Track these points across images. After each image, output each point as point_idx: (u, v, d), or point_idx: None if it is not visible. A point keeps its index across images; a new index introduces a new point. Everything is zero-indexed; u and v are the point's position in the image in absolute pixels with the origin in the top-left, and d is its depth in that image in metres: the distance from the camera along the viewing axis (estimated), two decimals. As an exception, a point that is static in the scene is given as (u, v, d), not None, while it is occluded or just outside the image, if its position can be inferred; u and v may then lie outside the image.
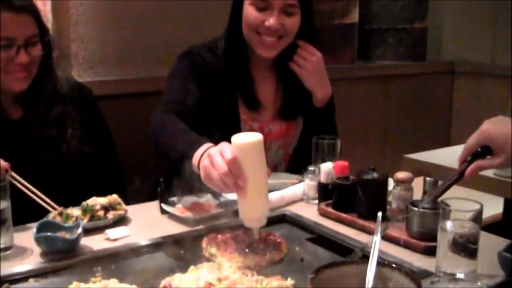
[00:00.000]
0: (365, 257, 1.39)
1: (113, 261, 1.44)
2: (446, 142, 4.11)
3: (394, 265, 1.11)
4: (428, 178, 1.53)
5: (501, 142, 1.35)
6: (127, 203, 1.76)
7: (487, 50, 4.02)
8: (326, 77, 2.16)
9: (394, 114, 3.91)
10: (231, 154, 1.39)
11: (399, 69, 3.95)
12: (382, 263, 1.15)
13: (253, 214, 1.46)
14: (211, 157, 1.45)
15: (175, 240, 1.55)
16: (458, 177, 1.40)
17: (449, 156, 2.55)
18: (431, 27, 4.10)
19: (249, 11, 1.99)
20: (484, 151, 1.38)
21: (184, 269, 1.36)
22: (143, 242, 1.53)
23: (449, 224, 1.32)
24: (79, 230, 1.46)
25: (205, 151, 1.55)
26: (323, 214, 1.75)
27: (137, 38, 2.72)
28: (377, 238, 1.18)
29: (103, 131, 2.11)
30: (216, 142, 1.54)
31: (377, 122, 3.86)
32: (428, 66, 4.10)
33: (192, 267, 1.35)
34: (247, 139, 1.40)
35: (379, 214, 1.27)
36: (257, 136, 1.40)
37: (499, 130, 1.36)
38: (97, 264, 1.42)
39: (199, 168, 1.55)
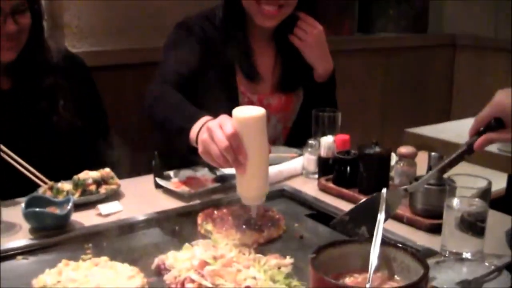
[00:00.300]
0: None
1: (104, 238, 1.39)
2: (447, 116, 4.04)
3: (399, 245, 1.05)
4: (433, 153, 1.47)
5: None
6: (121, 176, 1.70)
7: (489, 23, 3.93)
8: (327, 51, 2.09)
9: (394, 88, 3.85)
10: (232, 128, 1.33)
11: (400, 41, 3.89)
12: (387, 242, 1.09)
13: (252, 192, 1.41)
14: (210, 131, 1.39)
15: (170, 216, 1.49)
16: (466, 150, 1.31)
17: (451, 130, 2.52)
18: (433, -1, 4.03)
19: None
20: (497, 123, 1.30)
21: (178, 246, 1.30)
22: (136, 218, 1.47)
23: (456, 202, 1.26)
24: (70, 206, 1.40)
25: (203, 124, 1.48)
26: (323, 189, 1.69)
27: (133, 7, 2.64)
28: (381, 216, 1.12)
29: (95, 103, 2.04)
30: (214, 115, 1.48)
31: (376, 95, 3.80)
32: (429, 39, 4.04)
33: (186, 245, 1.29)
34: (249, 113, 1.34)
35: (384, 190, 1.21)
36: (260, 110, 1.35)
37: None
38: (88, 241, 1.37)
39: (197, 142, 1.49)
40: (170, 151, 1.68)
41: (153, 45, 2.54)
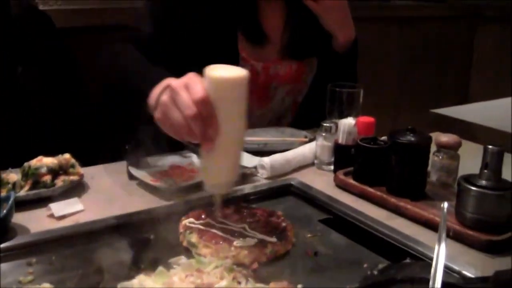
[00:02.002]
0: (404, 253, 1.03)
1: (54, 250, 1.04)
2: (465, 94, 3.75)
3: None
4: (490, 147, 1.12)
5: None
6: (86, 164, 1.35)
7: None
8: (349, 15, 1.76)
9: (408, 61, 3.59)
10: (203, 91, 1.03)
11: (416, 10, 3.65)
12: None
13: (220, 177, 1.09)
14: (174, 92, 1.08)
15: (143, 221, 1.13)
16: None
17: (485, 113, 2.17)
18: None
19: None
20: None
21: (151, 267, 0.96)
22: (99, 223, 1.12)
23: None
24: (9, 205, 1.05)
25: (166, 86, 1.14)
26: (341, 185, 1.35)
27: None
28: (440, 248, 0.77)
29: (61, 68, 1.72)
30: None
31: (390, 69, 3.54)
32: (448, 9, 3.77)
33: (161, 269, 0.94)
34: (228, 74, 1.04)
35: (444, 205, 0.85)
36: (240, 71, 1.04)
37: None
38: (33, 254, 1.02)
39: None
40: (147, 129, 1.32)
41: (137, 5, 2.22)
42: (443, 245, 0.77)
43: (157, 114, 1.15)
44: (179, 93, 1.06)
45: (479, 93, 3.63)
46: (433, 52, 3.68)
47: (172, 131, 1.12)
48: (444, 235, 0.78)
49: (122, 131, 1.48)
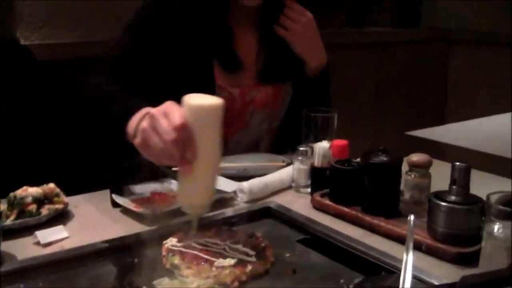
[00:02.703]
0: (379, 268, 1.07)
1: (40, 275, 1.07)
2: (441, 115, 3.81)
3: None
4: (457, 164, 1.17)
5: None
6: (70, 194, 1.39)
7: (486, 16, 3.70)
8: (319, 43, 1.82)
9: (386, 85, 3.64)
10: (181, 118, 1.09)
11: (391, 36, 3.69)
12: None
13: (197, 199, 1.15)
14: (153, 119, 1.14)
15: (127, 245, 1.16)
16: None
17: (458, 133, 2.22)
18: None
19: None
20: None
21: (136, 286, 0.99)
22: (84, 248, 1.15)
23: (497, 227, 0.97)
24: (-4, 234, 1.09)
25: (143, 117, 1.21)
26: (318, 207, 1.39)
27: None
28: (408, 256, 0.81)
29: (43, 101, 1.74)
30: None
31: (368, 93, 3.59)
32: (422, 33, 3.83)
33: (144, 290, 0.98)
34: (204, 101, 1.11)
35: (411, 217, 0.90)
36: (216, 100, 1.11)
37: None
38: (21, 280, 1.05)
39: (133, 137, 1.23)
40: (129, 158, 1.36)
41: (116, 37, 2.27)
42: (410, 254, 0.81)
43: (137, 140, 1.20)
44: (159, 120, 1.12)
45: (455, 112, 3.70)
46: (410, 75, 3.73)
47: (152, 155, 1.17)
48: (411, 244, 0.83)
49: (103, 160, 1.52)
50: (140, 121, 1.22)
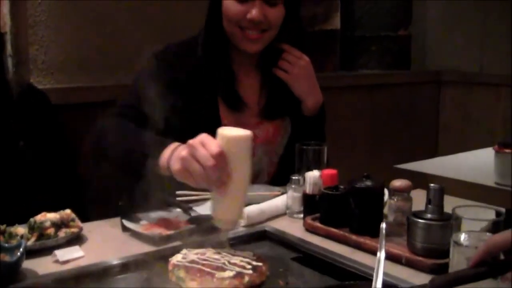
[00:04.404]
0: (364, 279, 1.19)
1: (60, 288, 1.20)
2: (434, 151, 3.94)
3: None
4: (432, 185, 1.31)
5: None
6: (85, 220, 1.52)
7: (475, 57, 3.86)
8: (315, 83, 1.98)
9: (379, 125, 3.76)
10: (218, 147, 1.27)
11: (383, 78, 3.82)
12: (389, 286, 0.92)
13: (229, 215, 1.35)
14: (193, 148, 1.31)
15: (137, 262, 1.30)
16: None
17: (444, 165, 2.37)
18: (416, 35, 3.96)
19: (229, 3, 1.80)
20: None
21: (145, 298, 1.12)
22: (98, 265, 1.28)
23: (464, 237, 1.10)
24: (20, 251, 1.22)
25: (175, 148, 1.42)
26: (310, 229, 1.52)
27: (103, 42, 2.50)
28: (381, 254, 0.95)
29: (58, 142, 1.88)
30: None
31: (362, 132, 3.70)
32: (413, 75, 3.97)
33: (154, 297, 1.11)
34: (237, 133, 1.31)
35: (383, 225, 1.05)
36: (246, 131, 1.31)
37: None
38: (41, 293, 1.18)
39: (168, 168, 1.41)
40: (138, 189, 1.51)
41: (125, 82, 2.41)
42: (383, 252, 0.94)
43: (176, 167, 1.37)
44: (197, 149, 1.29)
45: (447, 151, 3.83)
46: (402, 114, 3.83)
47: (191, 180, 1.34)
48: (383, 244, 0.96)
49: (113, 192, 1.65)
50: (172, 153, 1.41)
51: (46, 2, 2.35)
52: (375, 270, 0.90)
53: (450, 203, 1.30)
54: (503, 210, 1.13)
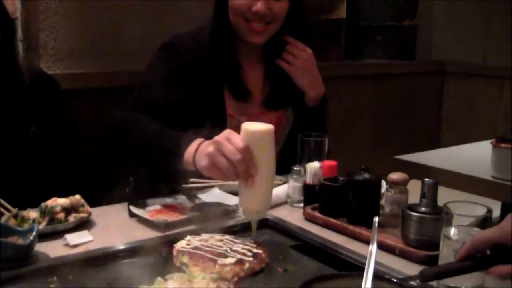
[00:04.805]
0: (359, 269, 1.24)
1: (70, 270, 1.26)
2: (436, 143, 3.98)
3: (394, 280, 0.95)
4: (426, 180, 1.37)
5: None
6: (94, 204, 1.59)
7: (478, 50, 3.89)
8: (318, 76, 2.04)
9: (382, 114, 3.78)
10: (243, 141, 1.34)
11: (388, 68, 3.82)
12: (380, 276, 0.99)
13: (257, 206, 1.41)
14: (219, 144, 1.38)
15: (143, 247, 1.37)
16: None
17: (443, 158, 2.42)
18: (421, 26, 3.98)
19: None
20: (498, 252, 1.05)
21: (150, 280, 1.19)
22: (106, 249, 1.35)
23: (453, 231, 1.16)
24: (33, 235, 1.28)
25: (199, 144, 1.50)
26: (309, 218, 1.59)
27: (111, 29, 2.54)
28: (373, 247, 1.01)
29: (68, 126, 1.94)
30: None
31: (365, 122, 3.73)
32: (417, 66, 3.98)
33: (159, 279, 1.17)
34: (260, 127, 1.37)
35: (375, 219, 1.11)
36: (269, 125, 1.38)
37: None
38: (53, 274, 1.24)
39: (193, 163, 1.50)
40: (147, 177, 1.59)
41: (133, 68, 2.47)
42: (374, 245, 1.01)
43: (204, 163, 1.45)
44: (224, 144, 1.36)
45: (449, 142, 3.87)
46: (405, 104, 3.86)
47: (219, 174, 1.41)
48: (375, 237, 1.02)
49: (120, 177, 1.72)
50: (197, 149, 1.50)
51: (57, -11, 2.40)
52: (366, 262, 0.96)
53: (447, 195, 1.36)
54: (491, 208, 1.17)
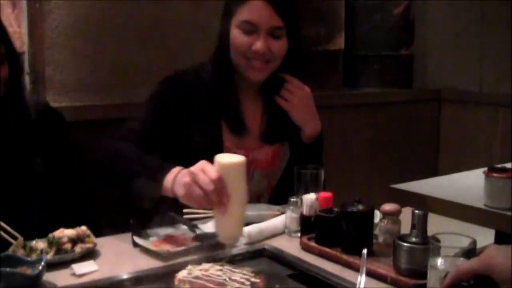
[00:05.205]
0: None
1: (77, 299, 1.34)
2: (433, 170, 4.03)
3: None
4: (416, 211, 1.44)
5: (508, 275, 1.07)
6: (99, 235, 1.66)
7: (474, 77, 3.97)
8: (315, 113, 2.09)
9: (380, 142, 3.84)
10: (216, 173, 1.46)
11: (385, 96, 3.90)
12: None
13: (230, 232, 1.55)
14: (194, 175, 1.51)
15: (146, 277, 1.44)
16: None
17: (438, 186, 2.48)
18: (417, 54, 4.06)
19: (236, 35, 1.93)
20: (481, 282, 1.10)
21: (153, 309, 1.25)
22: (111, 278, 1.42)
23: (439, 261, 1.22)
24: (42, 265, 1.35)
25: (177, 173, 1.60)
26: (305, 248, 1.65)
27: (114, 63, 2.64)
28: (362, 278, 1.08)
29: (73, 159, 2.00)
30: None
31: (362, 150, 3.78)
32: (414, 94, 4.06)
33: (161, 308, 1.24)
34: (232, 159, 1.50)
35: (364, 251, 1.17)
36: (241, 158, 1.50)
37: (507, 259, 1.08)
38: (61, 303, 1.32)
39: (172, 191, 1.61)
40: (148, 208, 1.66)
41: (134, 100, 2.55)
42: (363, 276, 1.07)
43: (180, 192, 1.57)
44: (198, 175, 1.49)
45: (447, 170, 3.92)
46: (403, 132, 3.92)
47: (195, 202, 1.55)
48: (364, 269, 1.09)
49: (122, 209, 1.79)
50: (175, 178, 1.60)
51: (63, 24, 2.48)
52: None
53: (441, 224, 1.42)
54: (475, 239, 1.24)
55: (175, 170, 1.63)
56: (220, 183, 1.46)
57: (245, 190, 1.51)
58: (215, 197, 1.47)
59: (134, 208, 1.69)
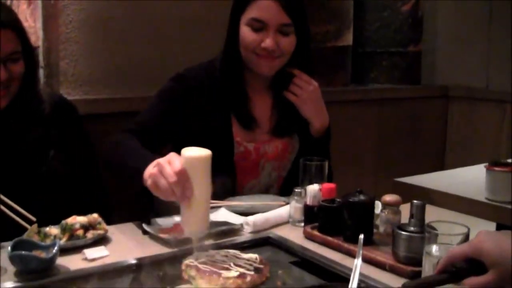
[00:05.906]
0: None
1: (88, 282, 1.40)
2: (440, 166, 4.07)
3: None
4: (415, 202, 1.49)
5: (497, 258, 1.12)
6: (110, 223, 1.72)
7: (481, 74, 4.01)
8: (323, 107, 2.15)
9: (387, 138, 3.88)
10: (180, 165, 1.45)
11: (393, 92, 3.94)
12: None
13: (193, 226, 1.52)
14: (160, 166, 1.49)
15: (155, 262, 1.50)
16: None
17: (441, 180, 2.53)
18: (425, 51, 4.10)
19: (246, 32, 1.99)
20: (471, 265, 1.15)
21: (161, 292, 1.32)
22: (121, 263, 1.48)
23: (434, 248, 1.28)
24: (55, 249, 1.42)
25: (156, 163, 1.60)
26: (309, 237, 1.71)
27: (128, 57, 2.69)
28: (358, 261, 1.14)
29: (85, 151, 2.06)
30: None
31: (370, 146, 3.83)
32: (422, 90, 4.09)
33: (168, 290, 1.30)
34: (196, 153, 1.48)
35: (361, 236, 1.23)
36: (206, 152, 1.48)
37: (497, 244, 1.13)
38: (72, 285, 1.38)
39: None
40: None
41: (146, 94, 2.60)
42: (359, 259, 1.13)
43: (149, 183, 1.55)
44: (164, 167, 1.48)
45: (453, 165, 3.96)
46: (410, 128, 3.97)
47: (161, 194, 1.52)
48: (360, 252, 1.14)
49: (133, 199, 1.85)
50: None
51: (77, 20, 2.54)
52: (352, 274, 1.08)
53: (442, 215, 1.46)
54: (469, 227, 1.29)
55: (155, 162, 1.59)
56: (183, 176, 1.44)
57: (209, 185, 1.49)
58: (178, 189, 1.45)
59: (141, 197, 1.75)
